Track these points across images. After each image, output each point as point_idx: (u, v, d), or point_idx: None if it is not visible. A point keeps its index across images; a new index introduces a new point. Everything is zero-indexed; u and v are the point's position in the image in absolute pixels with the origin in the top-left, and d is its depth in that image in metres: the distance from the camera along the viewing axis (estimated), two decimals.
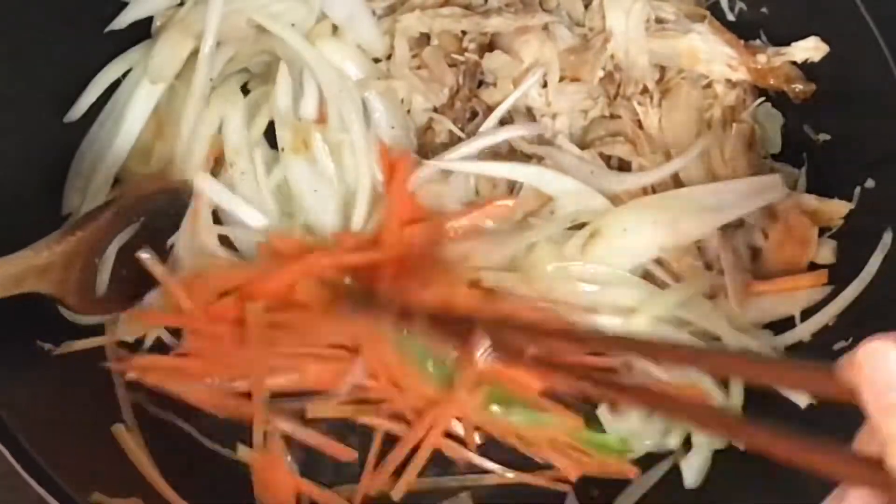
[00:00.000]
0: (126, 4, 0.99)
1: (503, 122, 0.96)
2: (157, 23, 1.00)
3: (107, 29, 0.98)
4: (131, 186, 0.94)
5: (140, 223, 0.90)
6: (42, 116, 0.94)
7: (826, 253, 0.95)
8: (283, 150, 0.94)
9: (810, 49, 0.96)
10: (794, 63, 0.98)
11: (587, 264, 0.92)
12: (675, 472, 0.91)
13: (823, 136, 0.97)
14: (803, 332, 0.92)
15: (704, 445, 0.89)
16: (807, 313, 0.93)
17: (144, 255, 0.88)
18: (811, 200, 0.95)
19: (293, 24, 0.95)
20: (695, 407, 0.65)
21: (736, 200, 0.93)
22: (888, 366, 0.42)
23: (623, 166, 0.97)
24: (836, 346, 0.89)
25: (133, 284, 0.90)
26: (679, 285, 0.92)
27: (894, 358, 0.42)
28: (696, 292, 0.93)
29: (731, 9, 1.03)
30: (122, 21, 0.98)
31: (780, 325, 0.95)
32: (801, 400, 0.87)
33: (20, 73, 0.89)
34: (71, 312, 0.88)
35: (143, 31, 1.00)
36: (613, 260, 0.92)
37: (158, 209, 0.92)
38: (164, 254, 0.92)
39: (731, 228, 0.96)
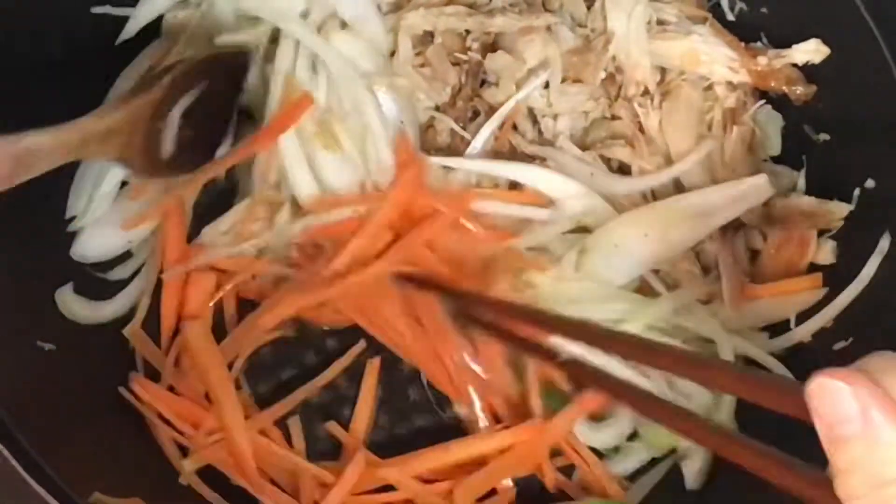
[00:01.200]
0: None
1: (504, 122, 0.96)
2: (168, 21, 1.00)
3: (118, 41, 0.98)
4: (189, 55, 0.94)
5: (202, 87, 0.89)
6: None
7: (826, 253, 0.95)
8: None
9: (811, 51, 0.96)
10: (795, 65, 0.98)
11: (581, 281, 0.92)
12: (677, 472, 0.91)
13: (823, 137, 0.98)
14: (802, 334, 0.93)
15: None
16: (805, 315, 0.93)
17: None
18: (810, 203, 0.95)
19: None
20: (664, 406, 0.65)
21: (725, 204, 0.93)
22: (835, 400, 0.42)
23: (623, 169, 0.97)
24: (837, 347, 0.89)
25: (199, 148, 0.91)
26: (669, 295, 0.92)
27: (840, 392, 0.42)
28: (688, 300, 0.93)
29: (732, 8, 1.03)
30: (131, 30, 0.98)
31: (777, 328, 0.95)
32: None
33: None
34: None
35: (151, 32, 1.00)
36: (607, 275, 0.92)
37: (219, 71, 0.91)
38: (230, 117, 0.93)
39: (730, 231, 0.97)
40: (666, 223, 0.92)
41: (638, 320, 0.90)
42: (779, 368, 0.91)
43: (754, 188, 0.93)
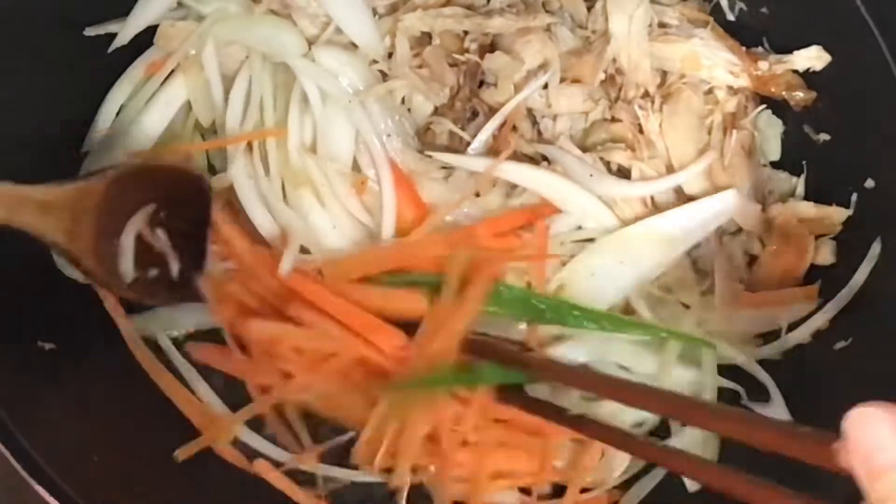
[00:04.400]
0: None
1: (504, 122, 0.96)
2: (163, 29, 0.99)
3: (111, 48, 0.98)
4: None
5: (155, 208, 0.88)
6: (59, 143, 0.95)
7: (825, 254, 0.95)
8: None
9: (812, 58, 0.96)
10: (795, 71, 0.98)
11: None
12: (673, 480, 0.91)
13: (823, 137, 0.97)
14: (799, 336, 0.93)
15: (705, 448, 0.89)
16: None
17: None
18: (808, 208, 0.95)
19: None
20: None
21: (697, 223, 0.93)
22: (874, 430, 0.43)
23: (623, 172, 0.97)
24: (837, 346, 0.89)
25: (165, 284, 0.89)
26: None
27: (879, 422, 0.43)
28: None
29: (731, 8, 1.03)
30: (124, 38, 0.98)
31: (770, 333, 0.95)
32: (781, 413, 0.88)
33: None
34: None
35: (147, 40, 1.00)
36: (586, 303, 0.91)
37: (176, 197, 0.89)
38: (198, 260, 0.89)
39: (727, 236, 0.97)
40: (639, 249, 0.92)
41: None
42: (761, 375, 0.91)
43: (722, 204, 0.93)
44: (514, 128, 0.96)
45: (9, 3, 0.86)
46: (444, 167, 0.94)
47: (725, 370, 0.92)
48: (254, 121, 0.96)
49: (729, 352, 0.92)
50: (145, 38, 0.99)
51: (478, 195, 0.95)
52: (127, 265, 0.87)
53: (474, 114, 0.96)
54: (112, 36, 0.98)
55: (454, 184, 0.94)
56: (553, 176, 0.92)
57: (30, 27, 0.89)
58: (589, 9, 1.00)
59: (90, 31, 0.97)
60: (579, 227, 0.95)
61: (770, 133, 1.02)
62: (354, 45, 0.97)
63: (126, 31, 0.98)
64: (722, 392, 0.91)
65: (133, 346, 0.92)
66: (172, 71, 0.99)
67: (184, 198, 0.89)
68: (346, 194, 0.94)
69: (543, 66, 0.95)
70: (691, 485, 0.89)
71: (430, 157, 0.93)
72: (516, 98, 0.94)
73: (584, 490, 0.90)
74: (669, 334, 0.91)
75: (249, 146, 0.95)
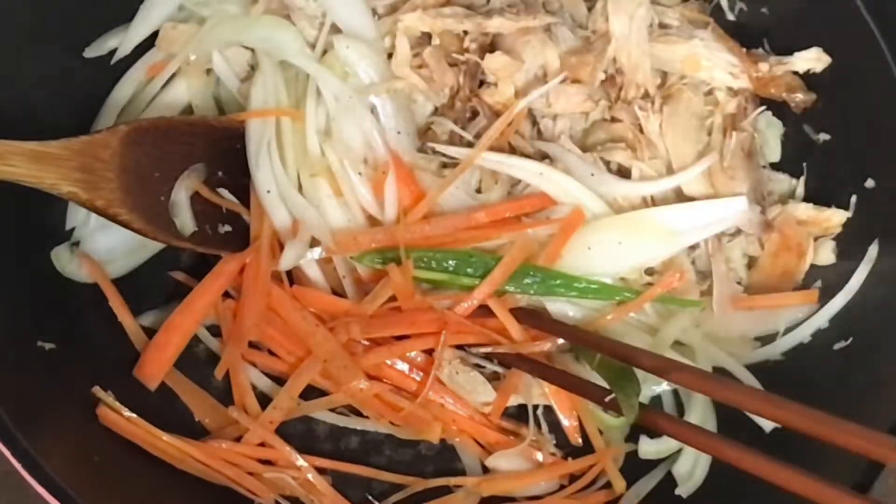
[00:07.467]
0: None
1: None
2: (165, 31, 1.00)
3: (113, 60, 0.99)
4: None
5: (207, 168, 0.92)
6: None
7: (826, 254, 0.95)
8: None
9: (812, 60, 0.96)
10: (796, 73, 0.98)
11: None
12: (670, 479, 0.91)
13: (823, 136, 0.97)
14: (801, 335, 0.93)
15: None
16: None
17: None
18: (807, 210, 0.95)
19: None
20: None
21: (703, 223, 0.93)
22: None
23: (623, 171, 0.97)
24: (837, 346, 0.89)
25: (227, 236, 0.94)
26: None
27: None
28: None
29: (732, 8, 1.03)
30: (126, 48, 0.99)
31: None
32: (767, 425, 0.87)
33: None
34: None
35: (147, 40, 1.00)
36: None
37: (222, 155, 0.93)
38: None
39: (726, 237, 0.97)
40: (640, 235, 0.92)
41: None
42: (750, 380, 0.91)
43: (732, 211, 0.93)
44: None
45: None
46: (445, 165, 0.94)
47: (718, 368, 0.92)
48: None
49: (717, 355, 0.92)
50: (146, 39, 0.99)
51: (479, 191, 0.95)
52: (184, 221, 0.90)
53: (474, 114, 0.96)
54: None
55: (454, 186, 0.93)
56: (549, 168, 0.93)
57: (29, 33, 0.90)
58: (589, 9, 1.00)
59: (90, 53, 0.97)
60: None
61: (770, 134, 1.02)
62: None
63: (128, 42, 0.99)
64: None
65: (138, 343, 0.92)
66: (174, 74, 0.99)
67: (230, 153, 0.93)
68: (359, 183, 0.93)
69: (551, 72, 0.95)
70: (682, 490, 0.89)
71: (432, 152, 0.94)
72: (521, 103, 0.93)
73: (587, 486, 0.91)
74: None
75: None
